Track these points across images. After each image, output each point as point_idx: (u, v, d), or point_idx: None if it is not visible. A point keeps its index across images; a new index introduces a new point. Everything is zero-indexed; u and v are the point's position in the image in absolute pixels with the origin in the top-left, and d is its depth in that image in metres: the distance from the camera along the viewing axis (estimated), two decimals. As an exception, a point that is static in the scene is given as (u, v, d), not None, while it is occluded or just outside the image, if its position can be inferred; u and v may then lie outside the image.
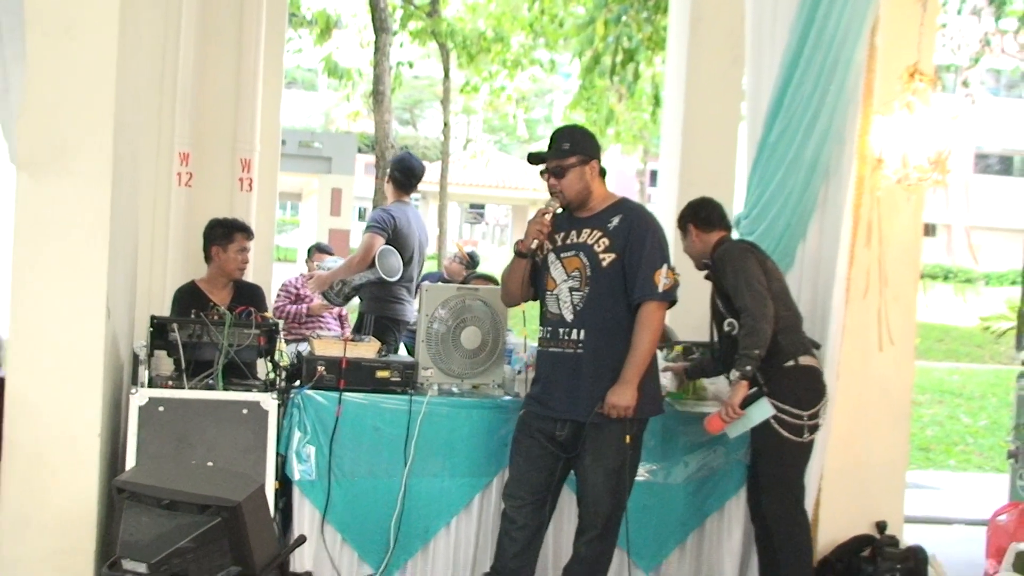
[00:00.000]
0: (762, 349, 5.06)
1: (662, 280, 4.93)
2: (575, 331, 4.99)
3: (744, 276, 5.17)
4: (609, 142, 19.42)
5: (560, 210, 5.08)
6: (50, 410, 5.12)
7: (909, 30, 5.73)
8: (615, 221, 5.00)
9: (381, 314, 7.56)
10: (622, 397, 4.85)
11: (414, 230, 7.68)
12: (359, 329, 7.64)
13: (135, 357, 5.61)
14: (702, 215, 5.48)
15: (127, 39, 5.24)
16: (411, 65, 21.48)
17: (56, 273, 5.13)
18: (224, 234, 6.33)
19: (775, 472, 5.26)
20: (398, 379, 5.58)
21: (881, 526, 5.70)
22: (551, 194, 5.07)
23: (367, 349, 5.72)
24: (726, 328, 5.31)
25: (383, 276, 7.24)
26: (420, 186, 8.16)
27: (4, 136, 5.18)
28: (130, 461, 5.15)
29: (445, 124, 21.02)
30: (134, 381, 5.40)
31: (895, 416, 5.91)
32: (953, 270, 36.70)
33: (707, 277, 5.57)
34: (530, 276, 5.18)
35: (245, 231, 6.41)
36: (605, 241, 4.97)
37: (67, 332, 5.13)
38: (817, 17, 5.59)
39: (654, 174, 19.35)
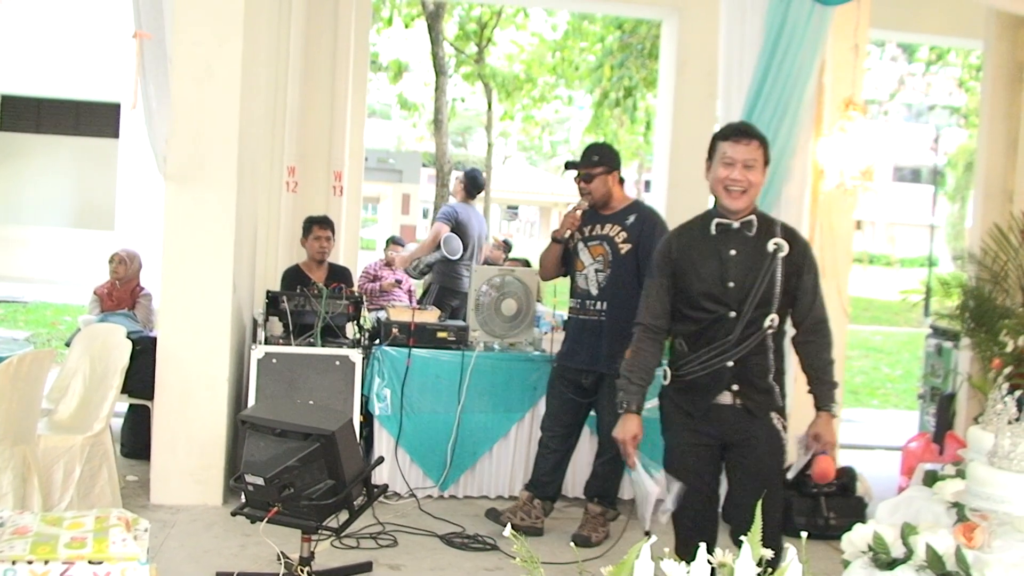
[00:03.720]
0: None
1: None
2: (599, 303, 4.91)
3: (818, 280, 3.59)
4: (612, 158, 19.39)
5: (587, 208, 4.99)
6: (191, 361, 5.14)
7: (846, 71, 5.65)
8: (631, 219, 4.92)
9: (443, 285, 7.57)
10: None
11: (474, 224, 7.67)
12: (425, 294, 7.67)
13: (255, 321, 5.61)
14: None
15: (248, 81, 5.24)
16: (463, 100, 21.58)
17: (195, 258, 5.14)
18: (306, 227, 6.43)
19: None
20: (453, 338, 5.54)
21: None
22: (581, 195, 4.98)
23: (429, 315, 5.70)
24: (767, 323, 3.49)
25: (447, 256, 7.29)
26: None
27: (152, 154, 5.19)
28: (251, 400, 5.17)
29: (489, 144, 21.02)
30: (254, 340, 5.41)
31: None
32: (876, 255, 36.50)
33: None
34: (561, 259, 5.12)
35: (320, 223, 6.42)
36: (624, 234, 4.89)
37: (204, 303, 5.14)
38: (774, 63, 5.50)
39: (648, 182, 19.25)
